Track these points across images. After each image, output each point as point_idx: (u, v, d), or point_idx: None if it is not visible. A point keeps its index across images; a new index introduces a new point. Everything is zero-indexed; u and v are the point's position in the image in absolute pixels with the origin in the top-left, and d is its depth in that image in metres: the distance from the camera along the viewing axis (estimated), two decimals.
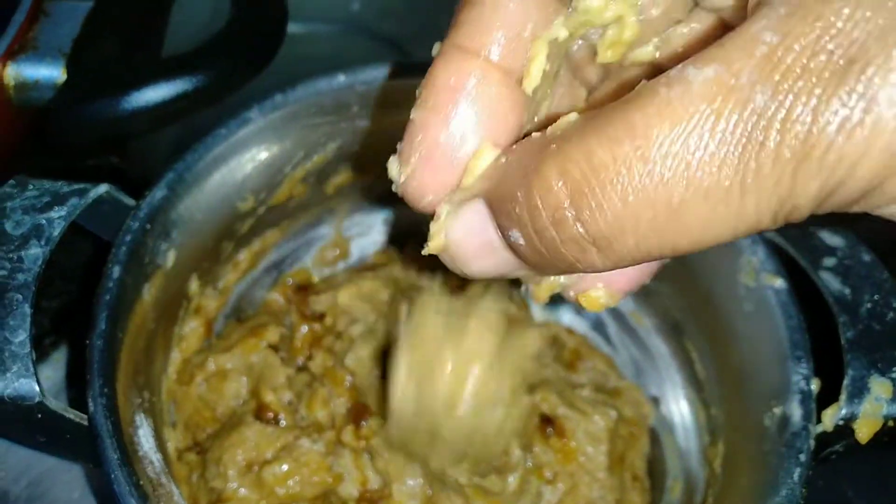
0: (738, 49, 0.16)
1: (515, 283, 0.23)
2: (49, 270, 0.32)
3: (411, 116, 0.20)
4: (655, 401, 0.43)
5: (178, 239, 0.35)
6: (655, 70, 0.23)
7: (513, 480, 0.36)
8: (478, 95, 0.20)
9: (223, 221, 0.38)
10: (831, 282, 0.35)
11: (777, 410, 0.32)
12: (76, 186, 0.34)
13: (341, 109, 0.38)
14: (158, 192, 0.34)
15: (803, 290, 0.35)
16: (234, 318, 0.42)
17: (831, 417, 0.32)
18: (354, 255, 0.47)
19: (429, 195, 0.21)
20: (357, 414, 0.38)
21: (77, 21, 0.42)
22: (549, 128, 0.19)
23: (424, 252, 0.21)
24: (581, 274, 0.21)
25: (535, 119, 0.22)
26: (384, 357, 0.40)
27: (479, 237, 0.20)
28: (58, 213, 0.33)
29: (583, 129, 0.17)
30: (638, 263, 0.18)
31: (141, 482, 0.29)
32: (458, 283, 0.45)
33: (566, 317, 0.47)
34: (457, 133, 0.20)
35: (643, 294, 0.44)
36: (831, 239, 0.36)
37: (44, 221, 0.33)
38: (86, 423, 0.30)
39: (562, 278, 0.22)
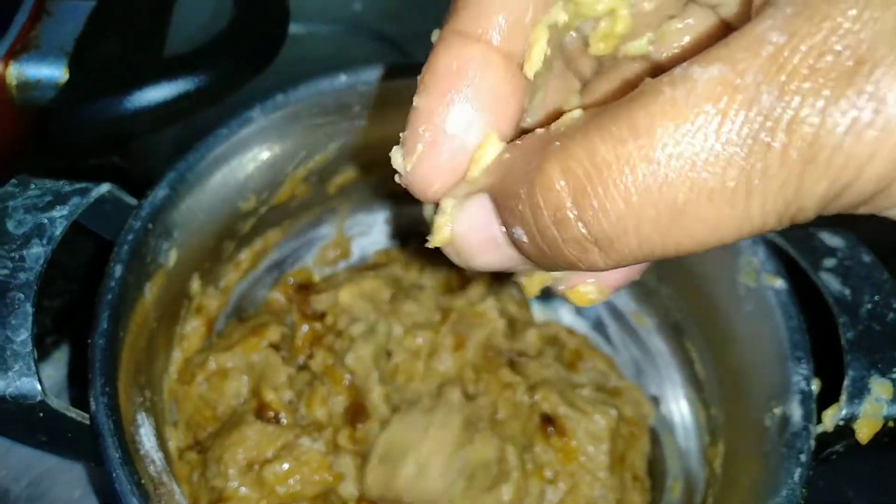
0: (744, 49, 0.16)
1: (510, 275, 0.23)
2: (51, 269, 0.32)
3: (414, 104, 0.20)
4: (656, 400, 0.43)
5: (179, 238, 0.36)
6: (656, 68, 0.23)
7: (507, 493, 0.36)
8: (481, 80, 0.19)
9: (225, 221, 0.38)
10: (831, 282, 0.35)
11: (777, 411, 0.32)
12: (78, 186, 0.34)
13: (343, 109, 0.39)
14: (160, 192, 0.34)
15: (803, 290, 0.35)
16: (235, 318, 0.43)
17: (832, 418, 0.32)
18: (355, 255, 0.47)
19: (436, 183, 0.20)
20: (354, 415, 0.38)
21: (79, 20, 0.42)
22: (553, 124, 0.18)
23: (428, 245, 0.21)
24: (571, 273, 0.21)
25: (533, 104, 0.22)
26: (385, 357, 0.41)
27: (483, 232, 0.20)
28: (60, 212, 0.33)
29: (586, 127, 0.17)
30: (640, 263, 0.18)
31: (142, 481, 0.29)
32: (459, 283, 0.46)
33: (567, 317, 0.47)
34: (462, 118, 0.20)
35: (644, 294, 0.44)
36: (831, 240, 0.36)
37: (46, 220, 0.33)
38: (87, 422, 0.30)
39: (553, 272, 0.22)
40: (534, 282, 0.22)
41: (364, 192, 0.44)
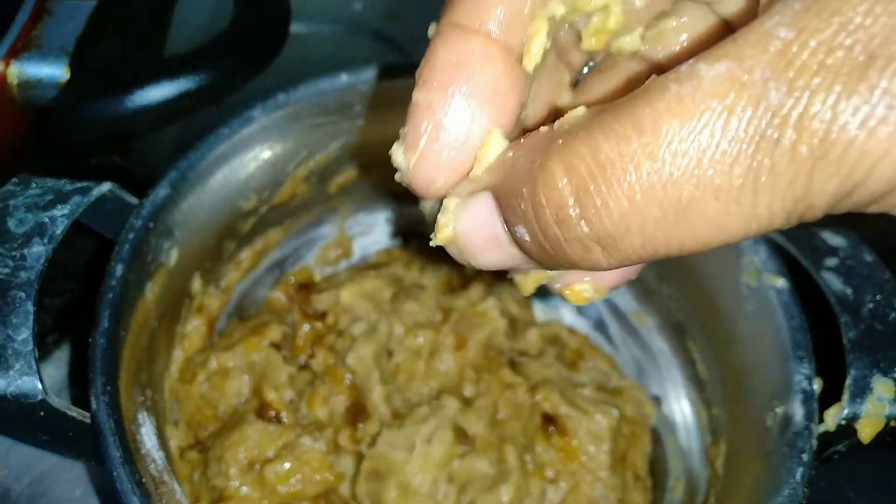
0: (751, 45, 0.16)
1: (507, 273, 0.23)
2: (52, 268, 0.32)
3: (413, 99, 0.20)
4: (657, 400, 0.43)
5: (180, 237, 0.35)
6: (655, 68, 0.23)
7: (507, 493, 0.36)
8: (481, 74, 0.19)
9: (226, 220, 0.38)
10: (833, 282, 0.35)
11: (779, 410, 0.32)
12: (79, 185, 0.34)
13: (344, 109, 0.38)
14: (161, 191, 0.34)
15: (805, 290, 0.35)
16: (236, 317, 0.43)
17: (833, 417, 0.32)
18: (357, 254, 0.47)
19: (438, 180, 0.20)
20: (355, 414, 0.38)
21: (80, 20, 0.42)
22: (556, 122, 0.18)
23: (432, 244, 0.21)
24: (567, 271, 0.21)
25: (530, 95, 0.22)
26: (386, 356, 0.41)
27: (486, 230, 0.20)
28: (61, 211, 0.33)
29: (589, 124, 0.17)
30: (643, 262, 0.18)
31: (143, 480, 0.29)
32: (460, 282, 0.45)
33: (568, 317, 0.47)
34: (464, 113, 0.19)
35: (645, 294, 0.44)
36: (833, 239, 0.36)
37: (47, 219, 0.33)
38: (88, 420, 0.30)
39: (548, 272, 0.22)
40: (529, 279, 0.22)
41: (365, 192, 0.44)
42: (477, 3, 0.19)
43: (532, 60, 0.20)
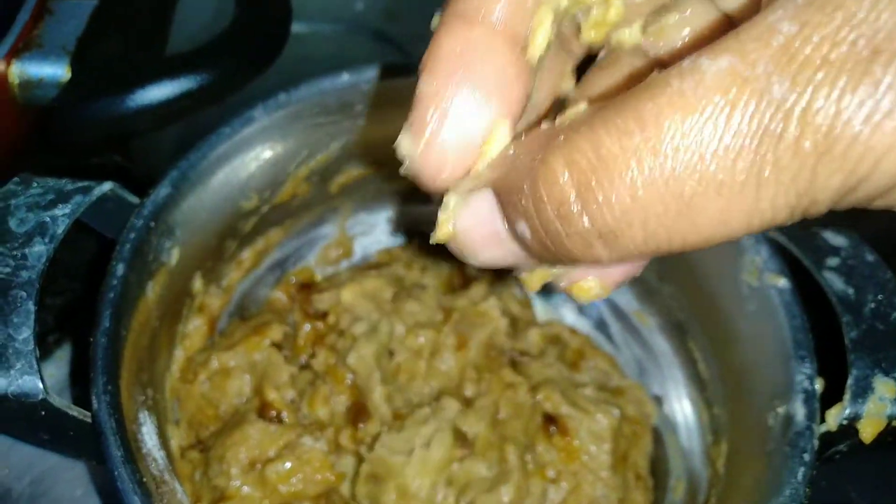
0: (754, 39, 0.16)
1: (511, 271, 0.23)
2: (53, 268, 0.32)
3: (419, 89, 0.20)
4: (658, 400, 0.43)
5: (181, 237, 0.35)
6: (657, 63, 0.23)
7: (507, 493, 0.36)
8: (486, 64, 0.19)
9: (227, 220, 0.38)
10: (835, 282, 0.34)
11: (781, 410, 0.32)
12: (80, 184, 0.34)
13: (345, 108, 0.38)
14: (163, 190, 0.34)
15: (807, 289, 0.35)
16: (237, 317, 0.42)
17: (835, 417, 0.32)
18: (358, 254, 0.47)
19: (445, 170, 0.20)
20: (356, 414, 0.38)
21: (81, 19, 0.42)
22: (558, 119, 0.18)
23: (432, 241, 0.21)
24: (573, 267, 0.21)
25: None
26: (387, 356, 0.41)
27: (486, 227, 0.20)
28: (62, 210, 0.33)
29: (591, 120, 0.17)
30: (645, 258, 0.18)
31: (144, 479, 0.29)
32: (461, 282, 0.45)
33: (569, 316, 0.47)
34: (469, 102, 0.19)
35: (646, 294, 0.44)
36: (835, 239, 0.36)
37: (48, 219, 0.33)
38: (89, 420, 0.30)
39: (554, 269, 0.22)
40: (535, 277, 0.22)
41: (366, 192, 0.44)
42: None
43: (536, 51, 0.20)
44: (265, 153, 0.38)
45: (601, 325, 0.46)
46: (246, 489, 0.35)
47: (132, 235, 0.33)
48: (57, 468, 0.40)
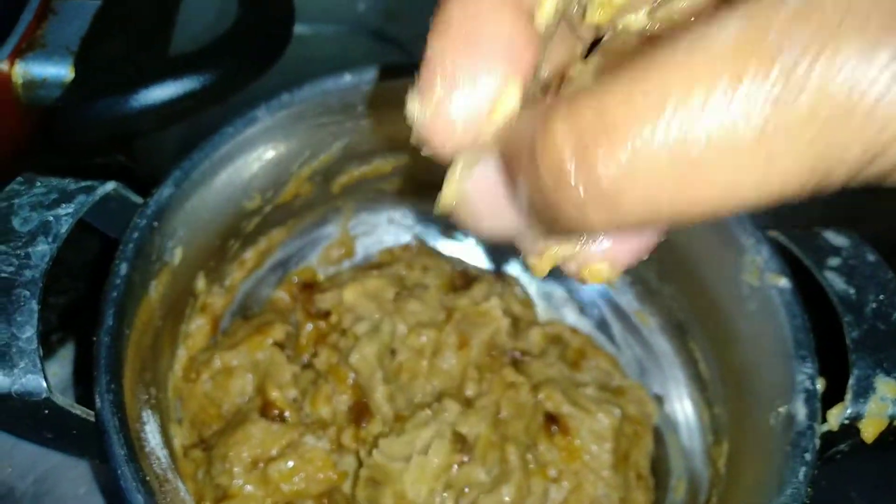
0: (765, 6, 0.15)
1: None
2: (56, 267, 0.32)
3: (426, 54, 0.19)
4: (659, 399, 0.43)
5: (185, 237, 0.36)
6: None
7: (508, 493, 0.36)
8: (494, 29, 0.19)
9: (230, 220, 0.38)
10: (836, 281, 0.35)
11: (782, 410, 0.32)
12: (84, 184, 0.34)
13: (347, 109, 0.39)
14: (166, 190, 0.34)
15: (808, 290, 0.35)
16: (240, 316, 0.43)
17: (836, 417, 0.32)
18: (359, 254, 0.47)
19: (454, 135, 0.19)
20: (358, 414, 0.38)
21: (85, 19, 0.43)
22: (563, 87, 0.18)
23: (436, 211, 0.20)
24: (582, 246, 0.20)
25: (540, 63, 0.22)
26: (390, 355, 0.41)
27: (490, 196, 0.19)
28: (65, 210, 0.33)
29: (594, 86, 0.16)
30: (645, 227, 0.17)
31: (147, 478, 0.29)
32: (463, 282, 0.46)
33: (570, 316, 0.47)
34: (479, 66, 0.19)
35: (647, 293, 0.44)
36: (836, 239, 0.36)
37: (51, 218, 0.33)
38: (92, 419, 0.30)
39: (562, 251, 0.21)
40: (543, 260, 0.21)
41: (368, 192, 0.44)
42: None
43: (544, 18, 0.19)
44: (268, 153, 0.38)
45: (602, 325, 0.46)
46: (249, 488, 0.35)
47: (135, 235, 0.33)
48: (60, 467, 0.40)
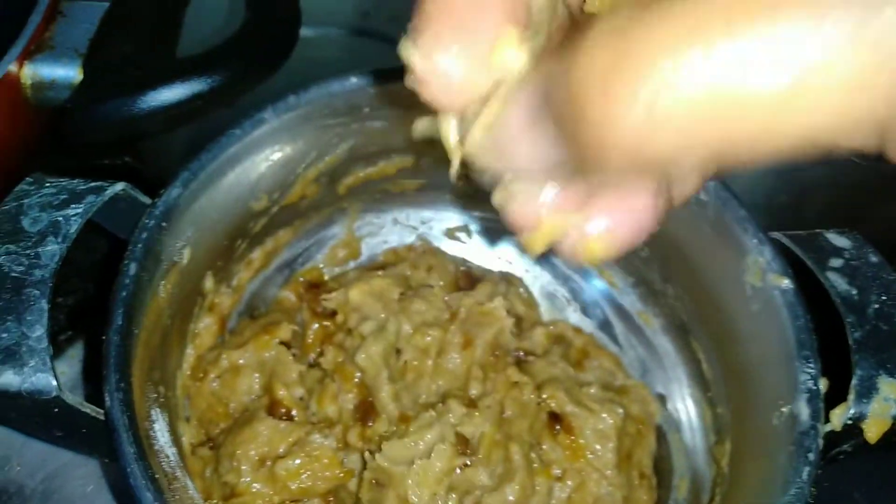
0: None
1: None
2: (65, 267, 0.32)
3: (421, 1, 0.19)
4: (662, 399, 0.44)
5: (193, 237, 0.36)
6: None
7: (512, 492, 0.36)
8: None
9: (237, 220, 0.39)
10: (838, 282, 0.35)
11: (785, 410, 0.33)
12: (93, 184, 0.35)
13: (353, 111, 0.39)
14: (174, 191, 0.35)
15: (810, 290, 0.35)
16: (247, 316, 0.43)
17: (839, 417, 0.32)
18: (365, 255, 0.47)
19: (455, 76, 0.18)
20: (364, 413, 0.39)
21: (93, 21, 0.43)
22: (586, 25, 0.16)
23: (451, 172, 0.20)
24: (577, 223, 0.20)
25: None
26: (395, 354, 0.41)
27: (504, 138, 0.18)
28: (74, 210, 0.34)
29: (640, 15, 0.15)
30: (672, 166, 0.16)
31: (156, 476, 0.29)
32: (467, 282, 0.46)
33: (573, 317, 0.47)
34: (476, 5, 0.18)
35: (650, 294, 0.45)
36: (838, 240, 0.37)
37: (61, 218, 0.33)
38: (102, 417, 0.31)
39: (558, 228, 0.20)
40: (538, 237, 0.21)
41: (373, 193, 0.45)
42: None
43: None
44: (275, 154, 0.38)
45: (605, 326, 0.47)
46: (256, 486, 0.36)
47: (144, 235, 0.34)
48: (69, 465, 0.40)
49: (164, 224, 0.34)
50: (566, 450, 0.39)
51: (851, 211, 0.54)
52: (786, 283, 0.35)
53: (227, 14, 0.46)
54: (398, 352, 0.41)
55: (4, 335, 0.30)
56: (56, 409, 0.31)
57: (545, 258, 0.48)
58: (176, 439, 0.34)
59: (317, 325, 0.42)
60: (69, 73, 0.42)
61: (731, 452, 0.37)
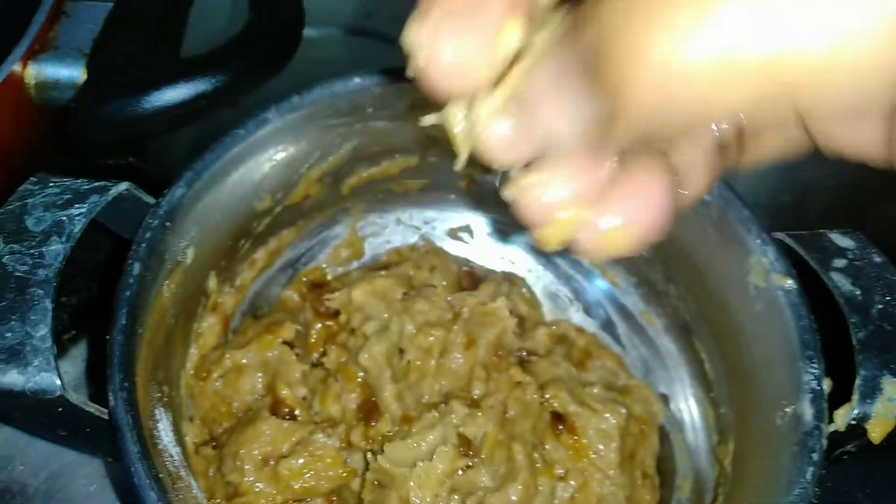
0: None
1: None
2: (69, 267, 0.32)
3: None
4: (664, 399, 0.44)
5: (197, 237, 0.36)
6: None
7: (515, 493, 0.36)
8: None
9: (241, 220, 0.39)
10: (842, 282, 0.35)
11: (788, 410, 0.33)
12: (97, 184, 0.35)
13: (356, 111, 0.39)
14: (178, 191, 0.35)
15: (814, 291, 0.35)
16: (250, 315, 0.43)
17: (843, 417, 0.32)
18: (367, 254, 0.47)
19: (462, 52, 0.17)
20: (367, 412, 0.39)
21: (97, 21, 0.43)
22: None
23: (457, 164, 0.20)
24: (591, 218, 0.19)
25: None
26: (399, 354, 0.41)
27: (509, 129, 0.18)
28: (78, 210, 0.34)
29: None
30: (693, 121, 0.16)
31: (161, 475, 0.29)
32: (470, 282, 0.46)
33: (576, 316, 0.47)
34: None
35: (653, 295, 0.45)
36: (841, 240, 0.37)
37: (65, 218, 0.33)
38: (106, 417, 0.31)
39: (572, 222, 0.20)
40: (551, 233, 0.20)
41: (377, 193, 0.45)
42: None
43: None
44: (278, 154, 0.38)
45: (608, 326, 0.47)
46: (259, 485, 0.36)
47: (148, 235, 0.34)
48: (72, 464, 0.40)
49: (167, 224, 0.34)
50: (569, 450, 0.39)
51: (854, 211, 0.54)
52: (789, 283, 0.35)
53: (230, 14, 0.46)
54: (401, 352, 0.41)
55: (8, 335, 0.30)
56: (60, 409, 0.31)
57: (548, 258, 0.48)
58: (179, 439, 0.34)
59: (320, 325, 0.42)
60: (73, 73, 0.42)
61: (735, 452, 0.37)
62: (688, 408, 0.43)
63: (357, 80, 0.38)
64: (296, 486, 0.36)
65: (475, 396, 0.40)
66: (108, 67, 0.42)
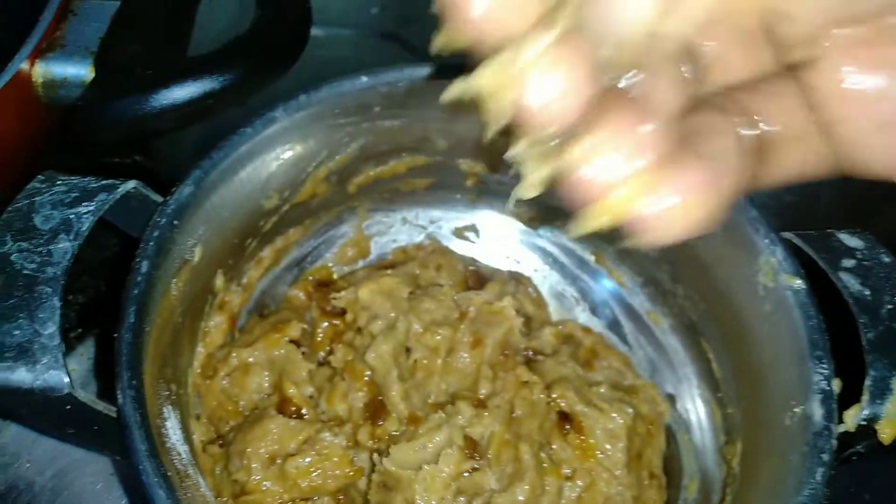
0: None
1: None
2: (77, 265, 0.32)
3: None
4: (671, 399, 0.43)
5: (204, 235, 0.36)
6: None
7: (522, 493, 0.36)
8: None
9: (248, 218, 0.39)
10: (851, 282, 0.35)
11: (798, 410, 0.32)
12: (104, 182, 0.35)
13: (363, 110, 0.39)
14: (186, 189, 0.35)
15: (822, 291, 0.35)
16: (256, 314, 0.43)
17: (853, 418, 0.32)
18: (374, 253, 0.47)
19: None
20: (374, 411, 0.39)
21: (104, 20, 0.43)
22: None
23: (488, 132, 0.18)
24: (651, 191, 0.18)
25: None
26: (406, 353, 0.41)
27: (568, 68, 0.16)
28: (86, 208, 0.34)
29: None
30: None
31: (169, 473, 0.29)
32: (476, 281, 0.46)
33: (582, 316, 0.47)
34: None
35: (659, 294, 0.45)
36: (850, 240, 0.37)
37: (72, 216, 0.34)
38: (114, 414, 0.31)
39: (628, 197, 0.18)
40: (601, 209, 0.18)
41: (383, 192, 0.45)
42: None
43: None
44: (285, 153, 0.38)
45: (614, 325, 0.47)
46: (266, 484, 0.36)
47: (156, 233, 0.34)
48: (78, 462, 0.40)
49: (175, 222, 0.34)
50: (576, 449, 0.39)
51: (861, 211, 0.54)
52: (798, 283, 0.35)
53: (238, 13, 0.46)
54: (408, 350, 0.41)
55: (17, 332, 0.31)
56: (68, 407, 0.31)
57: (554, 258, 0.48)
58: (187, 437, 0.34)
59: (326, 324, 0.42)
60: (80, 71, 0.42)
61: (742, 453, 0.37)
62: (695, 408, 0.42)
63: (364, 79, 0.38)
64: (303, 485, 0.36)
65: (482, 396, 0.40)
66: (116, 66, 0.42)
